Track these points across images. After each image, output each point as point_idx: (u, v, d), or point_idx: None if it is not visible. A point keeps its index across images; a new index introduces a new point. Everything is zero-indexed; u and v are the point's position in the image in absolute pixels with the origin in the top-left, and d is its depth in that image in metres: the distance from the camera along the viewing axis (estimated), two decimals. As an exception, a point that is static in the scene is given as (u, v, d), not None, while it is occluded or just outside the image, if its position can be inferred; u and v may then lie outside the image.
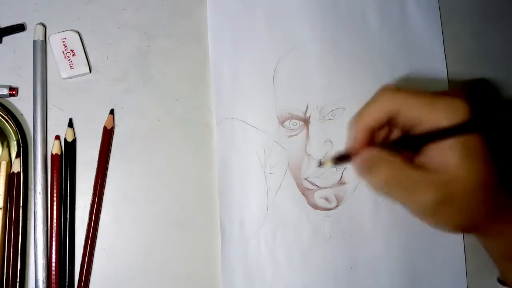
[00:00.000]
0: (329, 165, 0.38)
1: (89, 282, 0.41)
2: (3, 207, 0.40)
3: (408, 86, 0.39)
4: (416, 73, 0.45)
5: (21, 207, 0.40)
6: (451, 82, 0.45)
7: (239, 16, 0.44)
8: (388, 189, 0.33)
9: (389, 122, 0.35)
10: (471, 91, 0.46)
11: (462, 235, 0.43)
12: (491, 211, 0.33)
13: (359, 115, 0.35)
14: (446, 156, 0.32)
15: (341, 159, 0.37)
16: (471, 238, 0.43)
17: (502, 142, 0.43)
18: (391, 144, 0.35)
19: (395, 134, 0.36)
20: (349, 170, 0.43)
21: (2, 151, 0.41)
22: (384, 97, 0.34)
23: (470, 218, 0.33)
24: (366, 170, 0.34)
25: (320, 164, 0.43)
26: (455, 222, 0.33)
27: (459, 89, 0.45)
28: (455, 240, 0.43)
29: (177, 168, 0.43)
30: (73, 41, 0.42)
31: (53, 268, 0.40)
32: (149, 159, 0.42)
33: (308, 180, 0.43)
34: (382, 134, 0.36)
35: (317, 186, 0.43)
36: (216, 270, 0.42)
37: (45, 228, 0.40)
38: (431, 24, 0.45)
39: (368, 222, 0.43)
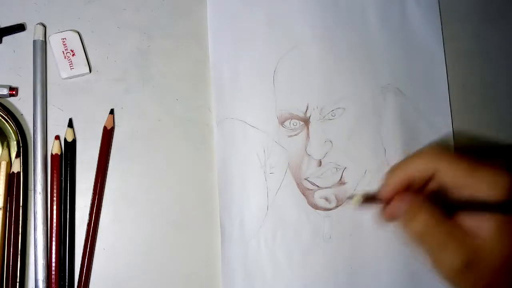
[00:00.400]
0: (355, 203, 0.39)
1: (89, 282, 0.41)
2: (3, 207, 0.40)
3: (452, 149, 0.40)
4: (416, 73, 0.45)
5: (21, 207, 0.40)
6: (450, 82, 0.45)
7: (239, 16, 0.44)
8: (423, 238, 0.33)
9: (428, 180, 0.35)
10: None
11: None
12: None
13: (401, 165, 0.36)
14: (481, 225, 0.32)
15: (369, 200, 0.37)
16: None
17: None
18: (428, 196, 0.35)
19: (432, 189, 0.36)
20: (349, 170, 0.43)
21: (2, 151, 0.41)
22: (429, 155, 0.35)
23: None
24: (407, 214, 0.34)
25: (348, 198, 0.43)
26: None
27: (503, 159, 0.45)
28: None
29: (177, 168, 0.43)
30: (73, 41, 0.42)
31: (53, 268, 0.40)
32: (149, 159, 0.42)
33: (308, 180, 0.43)
34: (418, 186, 0.36)
35: (317, 186, 0.43)
36: (216, 270, 0.42)
37: (45, 228, 0.40)
38: (431, 24, 0.45)
39: (368, 222, 0.43)
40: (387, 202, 0.36)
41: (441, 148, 0.35)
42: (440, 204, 0.34)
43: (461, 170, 0.33)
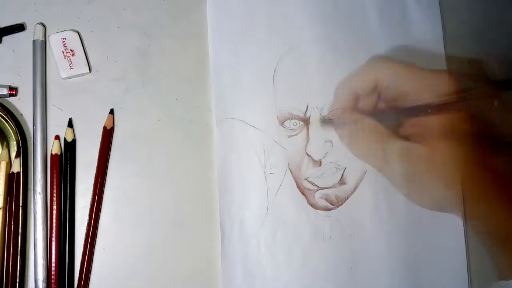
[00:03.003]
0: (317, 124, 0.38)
1: (89, 282, 0.41)
2: (3, 207, 0.40)
3: (400, 58, 0.39)
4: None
5: (21, 207, 0.40)
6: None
7: (239, 16, 0.44)
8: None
9: (376, 92, 0.35)
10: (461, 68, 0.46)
11: (464, 235, 0.43)
12: (472, 190, 0.33)
13: (346, 79, 0.36)
14: (427, 130, 0.32)
15: (326, 121, 0.37)
16: (473, 239, 0.43)
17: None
18: (376, 113, 0.35)
19: (381, 105, 0.37)
20: (349, 170, 0.43)
21: (2, 151, 0.41)
22: (372, 64, 0.35)
23: (445, 194, 0.33)
24: (352, 134, 0.34)
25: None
26: (430, 196, 0.33)
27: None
28: (457, 240, 0.43)
29: (177, 168, 0.43)
30: (73, 41, 0.42)
31: (53, 268, 0.40)
32: (149, 159, 0.42)
33: (308, 180, 0.43)
34: (368, 102, 0.36)
35: (317, 186, 0.43)
36: (216, 270, 0.42)
37: (45, 228, 0.40)
38: (431, 24, 0.45)
39: (368, 222, 0.43)
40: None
41: (382, 58, 0.36)
42: (392, 118, 0.34)
43: (403, 75, 0.33)
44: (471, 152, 0.33)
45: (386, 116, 0.34)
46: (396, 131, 0.33)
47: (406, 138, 0.33)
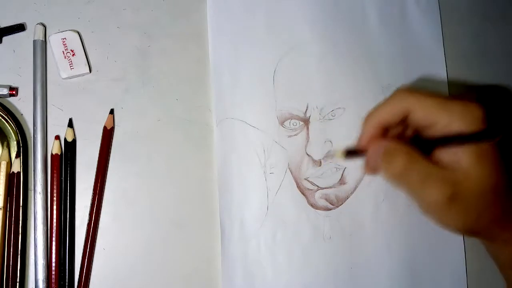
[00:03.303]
0: (339, 157, 0.38)
1: (89, 282, 0.41)
2: (3, 207, 0.40)
3: (424, 88, 0.39)
4: (416, 73, 0.45)
5: (21, 207, 0.40)
6: (450, 82, 0.45)
7: (239, 16, 0.44)
8: (404, 178, 0.33)
9: (403, 123, 0.35)
10: (485, 96, 0.46)
11: (462, 235, 0.43)
12: (498, 216, 0.33)
13: (374, 111, 0.36)
14: (459, 157, 0.32)
15: (351, 153, 0.37)
16: (472, 239, 0.43)
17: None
18: (405, 141, 0.35)
19: (408, 134, 0.37)
20: (349, 170, 0.43)
21: (2, 151, 0.41)
22: (400, 96, 0.35)
23: (477, 220, 0.33)
24: (385, 158, 0.34)
25: (326, 155, 0.43)
26: (462, 222, 0.33)
27: (473, 93, 0.45)
28: (456, 240, 0.43)
29: (177, 168, 0.43)
30: (73, 41, 0.42)
31: (53, 268, 0.40)
32: (149, 159, 0.43)
33: (308, 180, 0.43)
34: (395, 132, 0.36)
35: (317, 186, 0.43)
36: (216, 270, 0.42)
37: (45, 228, 0.40)
38: (431, 24, 0.46)
39: (368, 222, 0.43)
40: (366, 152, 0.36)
41: (410, 88, 0.35)
42: (416, 146, 0.34)
43: (432, 106, 0.33)
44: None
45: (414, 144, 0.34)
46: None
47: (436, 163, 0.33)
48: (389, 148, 0.34)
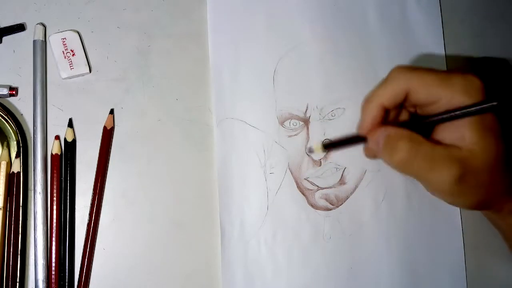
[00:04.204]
0: (318, 151, 0.36)
1: (89, 282, 0.41)
2: (3, 207, 0.40)
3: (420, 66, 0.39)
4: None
5: (21, 207, 0.40)
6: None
7: (239, 15, 0.44)
8: (409, 165, 0.33)
9: (406, 102, 0.34)
10: (481, 68, 0.46)
11: (461, 234, 0.43)
12: (505, 187, 0.33)
13: (373, 94, 0.35)
14: (462, 133, 0.32)
15: (329, 146, 0.36)
16: (471, 238, 0.43)
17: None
18: (403, 124, 0.35)
19: (403, 116, 0.36)
20: (349, 170, 0.43)
21: (2, 151, 0.41)
22: (398, 75, 0.34)
23: (486, 195, 0.33)
24: (387, 147, 0.33)
25: (310, 151, 0.42)
26: (473, 198, 0.33)
27: (468, 66, 0.45)
28: (455, 240, 0.43)
29: (177, 168, 0.43)
30: (73, 41, 0.42)
31: (53, 268, 0.40)
32: (149, 159, 0.42)
33: (308, 180, 0.43)
34: (392, 116, 0.36)
35: (317, 186, 0.43)
36: (216, 270, 0.42)
37: (45, 228, 0.40)
38: (431, 24, 0.45)
39: (368, 222, 0.43)
40: (366, 139, 0.35)
41: (407, 67, 0.34)
42: (415, 128, 0.33)
43: (433, 82, 0.32)
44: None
45: (416, 123, 0.33)
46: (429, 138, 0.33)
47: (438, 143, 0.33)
48: (390, 136, 0.33)
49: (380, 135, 0.34)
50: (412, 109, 0.37)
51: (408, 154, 0.32)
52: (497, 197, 0.34)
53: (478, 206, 0.34)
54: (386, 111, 0.35)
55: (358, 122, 0.36)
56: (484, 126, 0.32)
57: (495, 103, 0.31)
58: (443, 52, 0.45)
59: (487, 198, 0.33)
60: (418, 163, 0.32)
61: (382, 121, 0.35)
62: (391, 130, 0.34)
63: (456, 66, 0.45)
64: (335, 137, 0.36)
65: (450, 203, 0.34)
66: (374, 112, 0.34)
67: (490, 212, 0.37)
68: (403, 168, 0.33)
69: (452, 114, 0.32)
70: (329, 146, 0.36)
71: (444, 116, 0.32)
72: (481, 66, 0.46)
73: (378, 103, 0.34)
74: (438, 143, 0.33)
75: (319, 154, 0.36)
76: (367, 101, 0.35)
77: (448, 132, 0.33)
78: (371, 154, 0.36)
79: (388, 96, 0.34)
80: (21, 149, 0.41)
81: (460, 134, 0.32)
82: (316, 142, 0.35)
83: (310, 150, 0.42)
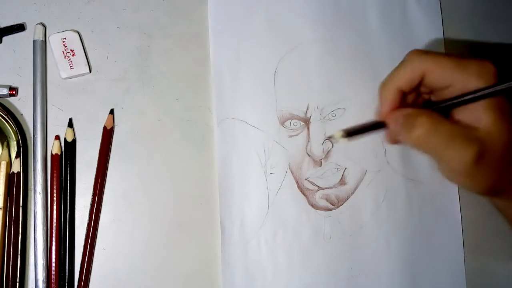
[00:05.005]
0: (339, 138, 0.35)
1: (89, 282, 0.41)
2: (3, 207, 0.40)
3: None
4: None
5: (21, 207, 0.40)
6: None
7: (240, 16, 0.44)
8: (428, 141, 0.33)
9: (416, 88, 0.35)
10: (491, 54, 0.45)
11: (461, 234, 0.43)
12: None
13: (390, 78, 0.35)
14: (478, 116, 0.32)
15: (352, 133, 0.35)
16: (471, 238, 0.43)
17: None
18: (421, 106, 0.35)
19: (420, 100, 0.36)
20: (350, 170, 0.43)
21: (2, 151, 0.41)
22: (415, 58, 0.34)
23: (500, 179, 0.33)
24: (406, 123, 0.33)
25: (328, 138, 0.42)
26: (488, 182, 0.33)
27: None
28: (455, 240, 0.43)
29: (177, 168, 0.43)
30: (73, 41, 0.42)
31: (53, 268, 0.40)
32: (149, 159, 0.42)
33: (308, 180, 0.43)
34: (409, 99, 0.36)
35: (318, 186, 0.43)
36: (216, 270, 0.42)
37: (45, 228, 0.40)
38: (431, 24, 0.45)
39: (368, 222, 0.43)
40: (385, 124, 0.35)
41: (422, 50, 0.34)
42: (437, 110, 0.34)
43: (449, 66, 0.33)
44: None
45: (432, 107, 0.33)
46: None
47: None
48: (409, 113, 0.33)
49: (400, 114, 0.34)
50: (426, 96, 0.37)
51: (427, 131, 0.32)
52: (510, 183, 0.34)
53: (490, 190, 0.34)
54: (403, 95, 0.35)
55: (376, 108, 0.36)
56: (500, 108, 0.32)
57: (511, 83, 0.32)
58: (443, 52, 0.45)
59: (500, 183, 0.33)
60: (437, 140, 0.32)
61: (399, 105, 0.35)
62: (410, 110, 0.34)
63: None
64: (353, 126, 0.35)
65: (463, 186, 0.34)
66: (392, 95, 0.35)
67: (500, 199, 0.36)
68: (421, 144, 0.33)
69: (468, 97, 0.32)
70: (352, 133, 0.35)
71: (461, 99, 0.33)
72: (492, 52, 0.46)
73: (395, 86, 0.34)
74: (456, 122, 0.33)
75: (341, 141, 0.35)
76: (384, 85, 0.35)
77: (463, 116, 0.33)
78: (391, 139, 0.36)
79: (405, 79, 0.34)
80: (21, 149, 0.41)
81: (476, 117, 0.32)
82: (337, 130, 0.35)
83: (331, 137, 0.42)
